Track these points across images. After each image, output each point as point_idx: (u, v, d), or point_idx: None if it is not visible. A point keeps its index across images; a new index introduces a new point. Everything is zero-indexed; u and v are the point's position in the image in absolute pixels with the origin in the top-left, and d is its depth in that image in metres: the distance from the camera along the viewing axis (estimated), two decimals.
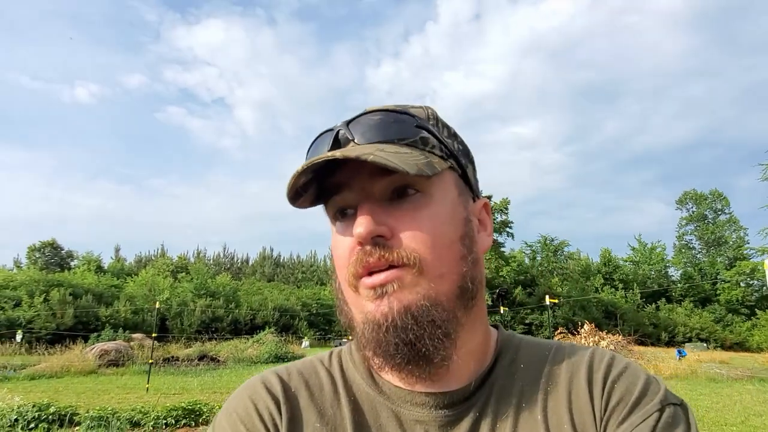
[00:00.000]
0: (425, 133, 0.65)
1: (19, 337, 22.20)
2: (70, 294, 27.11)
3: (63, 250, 47.01)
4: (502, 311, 30.48)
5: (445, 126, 0.70)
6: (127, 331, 24.23)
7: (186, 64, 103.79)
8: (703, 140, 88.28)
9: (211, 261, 64.47)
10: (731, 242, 51.93)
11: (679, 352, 23.43)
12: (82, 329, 24.30)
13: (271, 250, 68.35)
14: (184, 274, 41.40)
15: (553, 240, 48.96)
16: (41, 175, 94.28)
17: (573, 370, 0.66)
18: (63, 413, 7.45)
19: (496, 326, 0.74)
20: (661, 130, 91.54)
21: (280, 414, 0.65)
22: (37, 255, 45.33)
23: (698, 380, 15.35)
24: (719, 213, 54.49)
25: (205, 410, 8.10)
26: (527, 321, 38.75)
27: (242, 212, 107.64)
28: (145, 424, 7.51)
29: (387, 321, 0.59)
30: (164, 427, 7.54)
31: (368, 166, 0.60)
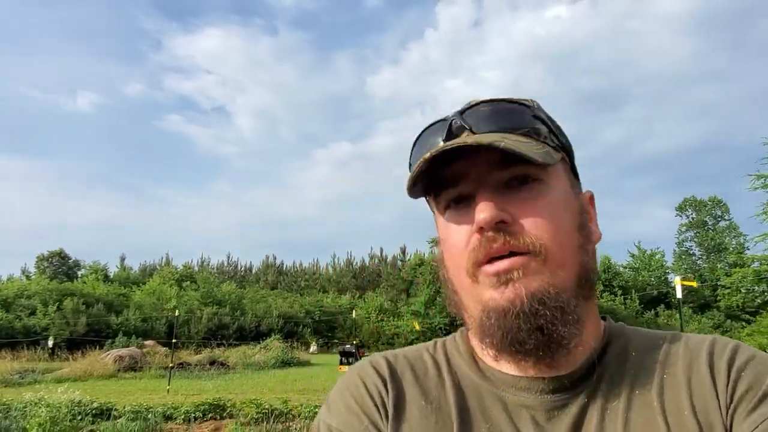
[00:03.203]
0: (539, 123, 0.64)
1: (51, 343, 23.51)
2: (83, 303, 27.82)
3: (70, 259, 47.79)
4: None
5: (550, 118, 0.68)
6: (139, 338, 24.91)
7: (186, 73, 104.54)
8: (708, 145, 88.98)
9: (215, 269, 65.15)
10: (731, 248, 52.50)
11: None
12: (95, 336, 24.97)
13: (274, 258, 68.89)
14: (189, 282, 42.07)
15: None
16: (44, 184, 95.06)
17: (692, 357, 0.63)
18: (104, 408, 8.21)
19: (603, 317, 0.73)
20: (665, 135, 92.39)
21: (387, 391, 0.66)
22: (46, 264, 46.12)
23: None
24: (719, 219, 55.05)
25: (228, 405, 8.83)
26: None
27: (244, 220, 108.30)
28: (176, 417, 8.28)
29: (515, 307, 0.58)
30: (194, 420, 8.27)
31: (485, 156, 0.59)
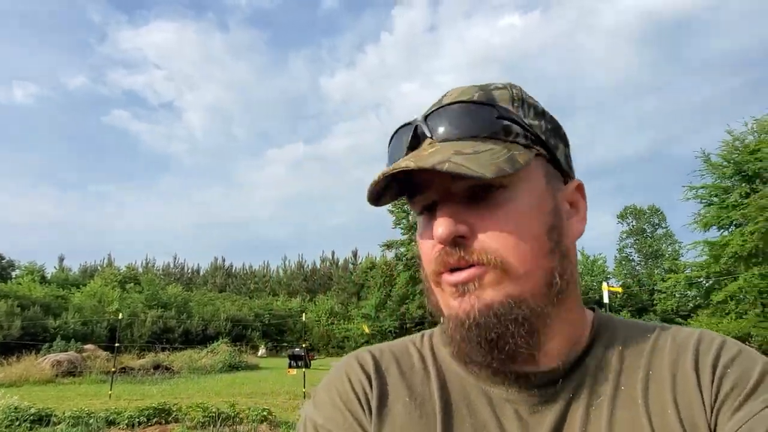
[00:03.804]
0: (507, 122, 0.62)
1: None
2: (18, 305, 26.52)
3: (4, 259, 45.36)
4: None
5: (532, 106, 0.66)
6: (78, 342, 23.97)
7: (133, 67, 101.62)
8: (652, 154, 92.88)
9: (161, 271, 63.27)
10: (667, 255, 55.00)
11: None
12: (31, 340, 23.84)
13: (223, 260, 67.56)
14: (132, 284, 40.75)
15: None
16: None
17: (678, 352, 0.62)
18: (43, 414, 7.92)
19: (592, 308, 0.72)
20: (610, 145, 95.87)
21: (371, 387, 0.67)
22: None
23: None
24: (656, 227, 57.52)
25: (174, 409, 8.67)
26: None
27: (193, 221, 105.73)
28: (119, 422, 8.06)
29: (469, 319, 0.59)
30: (138, 424, 8.09)
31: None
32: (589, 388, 0.63)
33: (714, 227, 20.46)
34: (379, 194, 0.64)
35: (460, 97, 0.64)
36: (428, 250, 0.64)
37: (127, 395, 12.65)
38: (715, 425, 0.56)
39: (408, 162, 0.59)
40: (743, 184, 19.27)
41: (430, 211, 0.64)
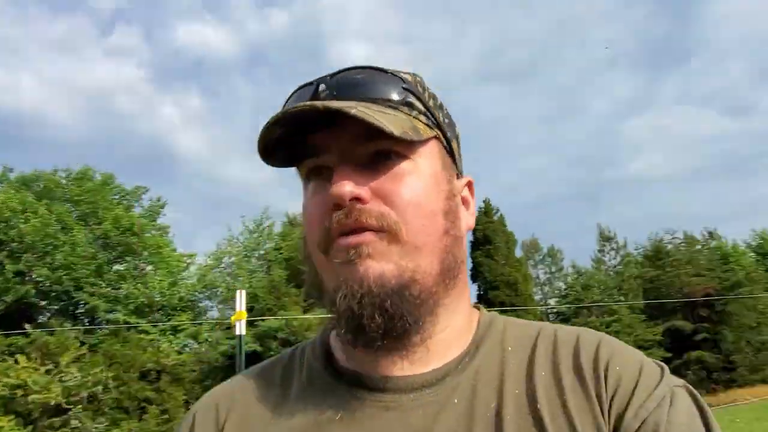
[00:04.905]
0: (412, 98, 0.61)
1: None
2: None
3: None
4: None
5: (433, 96, 0.65)
6: None
7: None
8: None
9: None
10: None
11: None
12: None
13: None
14: None
15: None
16: None
17: (560, 354, 0.60)
18: None
19: (477, 307, 0.69)
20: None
21: (222, 418, 0.63)
22: None
23: None
24: None
25: None
26: None
27: None
28: None
29: (362, 288, 0.54)
30: None
31: (350, 129, 0.56)
32: (474, 392, 0.59)
33: None
34: (270, 148, 0.59)
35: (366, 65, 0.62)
36: (318, 213, 0.59)
37: None
38: (597, 423, 0.55)
39: (313, 102, 0.56)
40: None
41: (321, 175, 0.60)
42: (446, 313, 0.62)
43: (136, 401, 18.14)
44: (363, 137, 0.57)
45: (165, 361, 19.67)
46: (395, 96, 0.60)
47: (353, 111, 0.53)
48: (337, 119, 0.55)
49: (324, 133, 0.58)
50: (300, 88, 0.63)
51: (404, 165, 0.59)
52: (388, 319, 0.55)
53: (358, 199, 0.56)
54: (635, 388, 0.56)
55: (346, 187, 0.55)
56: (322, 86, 0.60)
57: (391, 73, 0.61)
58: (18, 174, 25.18)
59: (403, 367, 0.60)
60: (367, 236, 0.56)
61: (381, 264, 0.56)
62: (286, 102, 0.63)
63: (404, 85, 0.61)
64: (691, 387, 0.58)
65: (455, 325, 0.63)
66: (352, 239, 0.56)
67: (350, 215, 0.56)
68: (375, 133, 0.54)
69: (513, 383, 0.59)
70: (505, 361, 0.61)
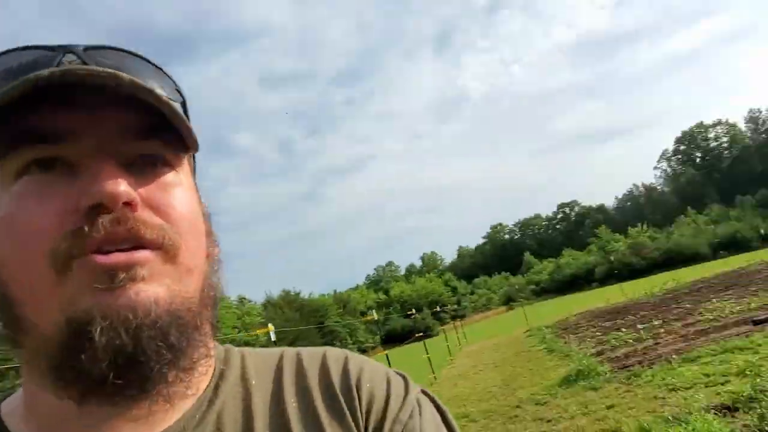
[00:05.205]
0: (182, 103, 0.51)
1: None
2: None
3: None
4: None
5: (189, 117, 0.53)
6: None
7: None
8: None
9: None
10: None
11: None
12: None
13: None
14: None
15: None
16: None
17: (308, 376, 0.55)
18: None
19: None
20: None
21: None
22: None
23: None
24: None
25: None
26: None
27: None
28: None
29: (136, 318, 0.41)
30: None
31: (117, 119, 0.44)
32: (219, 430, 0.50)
33: None
34: None
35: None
36: (47, 220, 0.42)
37: None
38: None
39: (71, 67, 0.41)
40: None
41: (51, 170, 0.43)
42: (198, 347, 0.49)
43: None
44: (133, 132, 0.45)
45: None
46: (171, 93, 0.48)
47: (129, 80, 0.41)
48: (98, 105, 0.43)
49: (70, 113, 0.43)
50: (27, 48, 0.44)
51: (172, 176, 0.48)
52: (174, 354, 0.44)
53: (130, 204, 0.43)
54: (387, 401, 0.54)
55: (121, 186, 0.42)
56: (70, 56, 0.44)
57: (163, 71, 0.50)
58: None
59: (132, 427, 0.46)
60: (144, 255, 0.43)
61: (153, 287, 0.43)
62: None
63: (177, 87, 0.51)
64: (427, 390, 0.59)
65: (197, 362, 0.50)
66: (123, 258, 0.41)
67: (124, 223, 0.42)
68: (148, 130, 0.45)
69: (262, 420, 0.51)
70: (250, 396, 0.53)
